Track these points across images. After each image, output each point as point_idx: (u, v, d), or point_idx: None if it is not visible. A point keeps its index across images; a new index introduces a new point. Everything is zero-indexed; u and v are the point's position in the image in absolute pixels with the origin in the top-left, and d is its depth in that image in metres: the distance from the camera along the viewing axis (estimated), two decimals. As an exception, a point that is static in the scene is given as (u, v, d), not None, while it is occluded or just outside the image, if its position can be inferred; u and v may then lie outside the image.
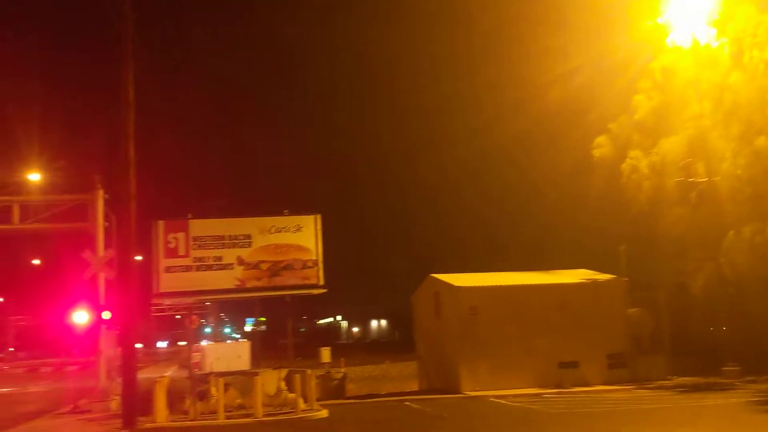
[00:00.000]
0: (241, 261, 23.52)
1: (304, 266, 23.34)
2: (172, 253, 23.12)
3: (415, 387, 23.19)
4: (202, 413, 16.19)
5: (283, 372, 18.00)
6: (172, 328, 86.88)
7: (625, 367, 20.36)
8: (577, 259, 25.43)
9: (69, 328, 24.03)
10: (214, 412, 15.94)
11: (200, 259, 23.59)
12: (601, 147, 22.81)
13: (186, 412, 16.42)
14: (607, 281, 21.98)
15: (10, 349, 70.73)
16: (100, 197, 21.11)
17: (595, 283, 21.84)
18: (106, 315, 19.42)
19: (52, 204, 22.66)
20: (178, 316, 60.62)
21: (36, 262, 40.33)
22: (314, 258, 22.89)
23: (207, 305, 40.26)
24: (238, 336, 73.16)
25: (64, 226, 23.07)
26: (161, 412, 15.83)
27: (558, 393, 18.07)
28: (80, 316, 20.20)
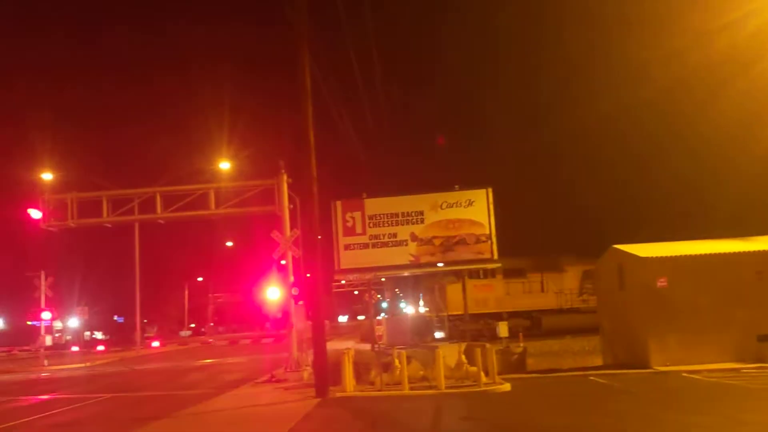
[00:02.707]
0: (414, 237, 23.98)
1: (477, 241, 23.33)
2: (350, 231, 24.11)
3: (598, 362, 22.45)
4: (387, 384, 16.79)
5: (463, 345, 18.19)
6: (351, 303, 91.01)
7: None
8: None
9: (263, 304, 25.97)
10: (399, 383, 16.48)
11: (376, 237, 24.37)
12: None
13: (372, 383, 17.12)
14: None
15: (211, 324, 77.64)
16: (284, 181, 22.41)
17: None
18: (295, 291, 20.71)
19: (242, 189, 24.48)
20: (356, 292, 63.32)
21: (229, 243, 43.75)
22: (487, 232, 22.80)
23: (383, 281, 41.59)
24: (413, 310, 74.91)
25: (254, 209, 24.81)
26: (349, 383, 16.60)
27: (758, 368, 16.68)
28: (272, 293, 21.73)
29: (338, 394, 16.07)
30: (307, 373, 19.54)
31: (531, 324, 36.37)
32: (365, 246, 24.13)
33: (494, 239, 22.32)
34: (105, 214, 24.91)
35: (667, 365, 17.50)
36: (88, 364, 37.59)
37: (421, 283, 41.32)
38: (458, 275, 35.80)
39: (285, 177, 22.45)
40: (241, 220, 29.45)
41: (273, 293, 22.16)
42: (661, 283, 18.27)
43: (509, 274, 37.82)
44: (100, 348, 49.36)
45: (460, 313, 35.40)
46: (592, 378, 17.08)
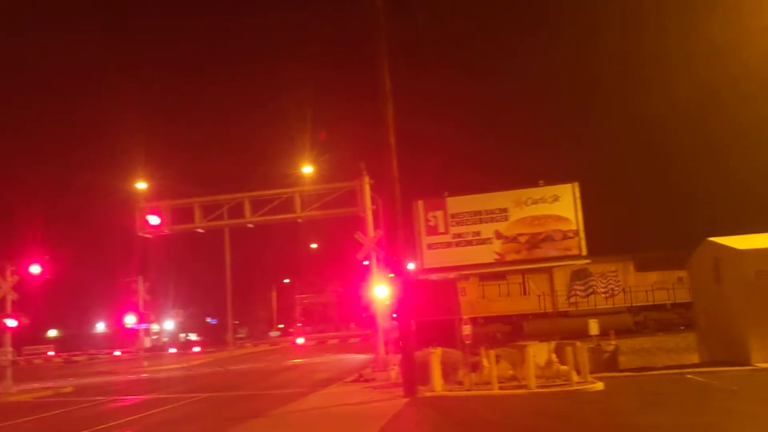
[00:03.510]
0: (499, 235, 23.71)
1: (564, 237, 22.84)
2: (432, 230, 24.08)
3: (693, 359, 21.56)
4: (476, 384, 16.68)
5: (553, 344, 17.85)
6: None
7: None
8: None
9: (349, 304, 26.29)
10: (488, 383, 16.34)
11: (459, 235, 24.23)
12: None
13: (460, 383, 17.04)
14: None
15: (298, 325, 79.29)
16: (366, 183, 22.63)
17: None
18: (380, 291, 20.85)
19: (325, 192, 24.88)
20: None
21: (314, 245, 44.60)
22: (574, 228, 22.30)
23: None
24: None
25: (337, 211, 25.17)
26: (438, 382, 16.59)
27: None
28: (359, 293, 21.98)
29: (427, 394, 16.08)
30: (394, 372, 19.65)
31: (511, 330, 34.38)
32: (448, 245, 24.05)
33: (582, 235, 21.81)
34: (197, 220, 25.87)
35: (771, 362, 16.64)
36: (184, 364, 39.11)
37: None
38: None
39: (367, 179, 22.66)
40: (326, 222, 29.93)
41: (359, 293, 22.43)
42: (759, 276, 17.38)
43: (486, 275, 34.74)
44: (196, 349, 51.33)
45: (426, 319, 34.53)
46: (689, 376, 16.42)
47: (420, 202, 23.23)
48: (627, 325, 32.99)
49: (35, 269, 28.05)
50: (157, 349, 55.99)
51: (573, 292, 34.40)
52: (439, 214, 23.77)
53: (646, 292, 33.98)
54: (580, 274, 33.34)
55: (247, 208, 25.52)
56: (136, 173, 28.76)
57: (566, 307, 34.25)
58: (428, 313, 29.74)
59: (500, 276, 34.83)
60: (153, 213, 25.78)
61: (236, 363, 38.37)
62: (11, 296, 26.86)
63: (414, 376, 16.37)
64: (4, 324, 26.73)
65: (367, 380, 20.31)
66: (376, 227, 23.12)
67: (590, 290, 34.00)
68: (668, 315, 33.66)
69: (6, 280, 27.11)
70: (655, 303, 34.00)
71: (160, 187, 29.36)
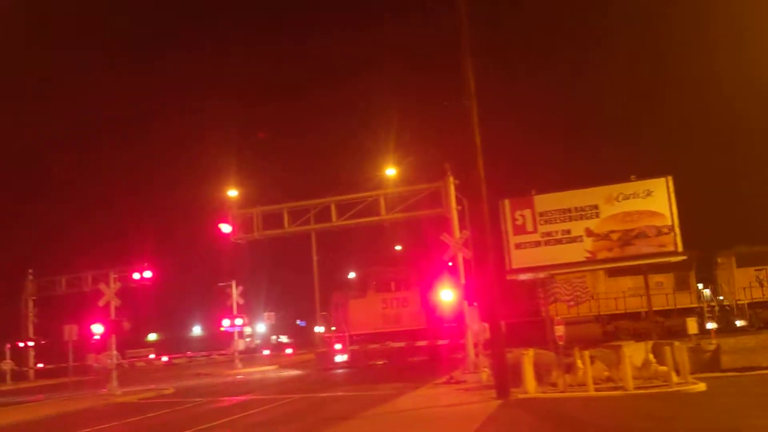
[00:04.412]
0: (589, 232, 23.11)
1: (659, 233, 22.06)
2: (520, 229, 23.72)
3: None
4: (570, 385, 16.32)
5: (650, 343, 17.26)
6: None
7: None
8: None
9: (436, 306, 26.28)
10: (582, 384, 15.96)
11: (548, 234, 23.77)
12: None
13: (554, 384, 16.72)
14: None
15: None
16: (451, 184, 22.56)
17: None
18: (468, 292, 20.74)
19: (409, 194, 25.00)
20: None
21: (398, 247, 44.78)
22: (669, 223, 21.52)
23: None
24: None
25: (422, 212, 25.23)
26: (530, 384, 16.33)
27: None
28: (446, 294, 21.93)
29: (520, 396, 15.87)
30: (485, 374, 19.49)
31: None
32: (537, 244, 23.65)
33: (678, 230, 21.01)
34: (285, 225, 26.55)
35: None
36: (277, 366, 40.05)
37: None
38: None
39: (452, 179, 22.58)
40: (410, 224, 30.04)
41: (447, 295, 22.36)
42: None
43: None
44: (288, 351, 52.43)
45: (366, 332, 33.13)
46: (800, 377, 15.55)
47: (506, 201, 22.95)
48: None
49: (137, 276, 29.48)
50: (251, 352, 57.54)
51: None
52: (527, 212, 23.42)
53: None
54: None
55: (334, 212, 25.98)
56: (229, 182, 29.78)
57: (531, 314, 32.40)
58: (517, 314, 29.33)
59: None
60: (245, 220, 26.62)
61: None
62: (115, 302, 28.32)
63: (506, 377, 16.19)
64: (109, 329, 28.22)
65: (457, 382, 20.23)
66: (462, 227, 23.00)
67: None
68: None
69: (110, 286, 28.62)
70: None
71: (250, 194, 30.31)
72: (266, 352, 53.34)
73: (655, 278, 28.92)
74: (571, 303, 30.59)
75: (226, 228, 26.45)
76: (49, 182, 68.00)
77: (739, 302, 31.15)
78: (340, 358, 32.86)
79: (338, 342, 32.89)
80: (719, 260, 32.82)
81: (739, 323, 30.22)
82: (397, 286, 33.73)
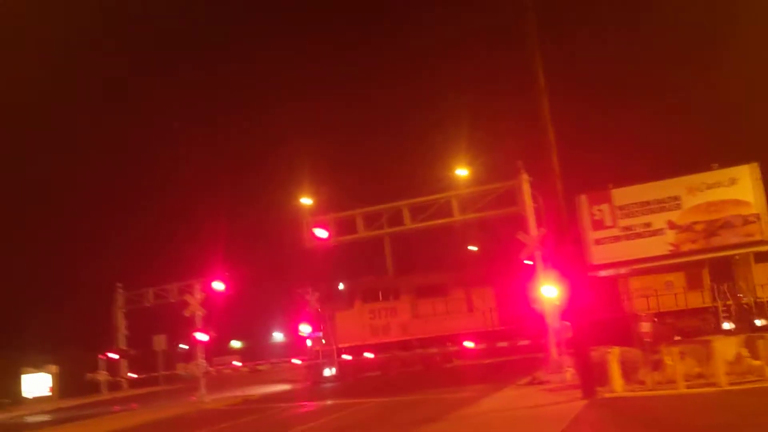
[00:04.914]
0: (672, 225, 22.50)
1: (745, 222, 21.30)
2: (598, 225, 23.33)
3: None
4: (659, 383, 15.86)
5: (742, 337, 16.60)
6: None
7: None
8: None
9: (514, 306, 26.00)
10: (671, 382, 15.47)
11: (628, 228, 23.28)
12: None
13: (641, 382, 16.28)
14: None
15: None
16: (525, 181, 22.28)
17: None
18: (548, 291, 20.44)
19: (482, 194, 24.83)
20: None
21: (473, 248, 44.45)
22: (756, 212, 20.72)
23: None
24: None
25: (495, 212, 24.99)
26: (617, 382, 15.96)
27: None
28: (526, 294, 21.65)
29: (606, 395, 15.52)
30: (569, 374, 19.15)
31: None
32: (617, 239, 23.20)
33: (766, 218, 20.20)
34: (359, 230, 26.86)
35: None
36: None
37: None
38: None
39: (525, 177, 22.31)
40: (482, 223, 29.82)
41: (527, 294, 22.07)
42: None
43: (423, 292, 32.80)
44: (368, 355, 52.86)
45: (356, 344, 32.09)
46: None
47: (583, 197, 22.61)
48: None
49: (218, 285, 30.38)
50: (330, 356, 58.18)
51: None
52: (605, 207, 23.01)
53: None
54: None
55: (406, 216, 26.09)
56: (303, 189, 30.30)
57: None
58: (599, 311, 28.61)
59: (439, 291, 32.82)
60: (319, 226, 27.05)
61: (405, 365, 39.02)
62: (200, 312, 29.27)
63: (591, 376, 15.87)
64: (195, 338, 29.18)
65: (541, 382, 19.93)
66: (540, 225, 22.67)
67: None
68: None
69: (195, 297, 29.62)
70: None
71: (321, 201, 30.77)
72: (346, 356, 53.92)
73: (665, 277, 26.76)
74: None
75: (321, 232, 26.89)
76: (130, 195, 70.88)
77: (758, 300, 28.94)
78: (328, 372, 32.53)
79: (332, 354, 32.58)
80: (736, 256, 30.44)
81: (759, 322, 28.31)
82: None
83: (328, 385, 31.55)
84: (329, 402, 23.14)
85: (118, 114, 75.04)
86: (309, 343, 36.69)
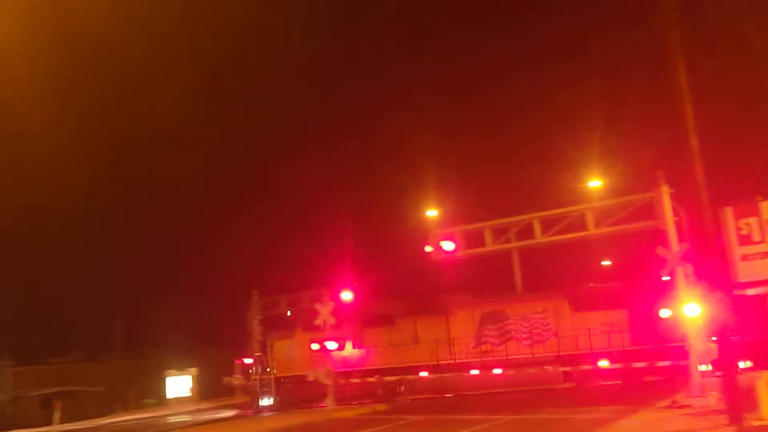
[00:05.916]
0: (833, 239, 20.61)
1: None
2: (745, 240, 21.78)
3: None
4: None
5: None
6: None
7: None
8: None
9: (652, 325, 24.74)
10: None
11: (779, 244, 21.54)
12: None
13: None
14: None
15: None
16: (665, 192, 21.21)
17: None
18: (691, 309, 19.29)
19: (618, 207, 23.88)
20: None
21: (607, 262, 42.79)
22: None
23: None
24: None
25: (632, 226, 23.98)
26: (766, 409, 14.82)
27: None
28: (664, 313, 20.59)
29: (754, 423, 14.45)
30: (713, 398, 17.95)
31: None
32: (766, 255, 21.56)
33: None
34: (487, 243, 26.60)
35: None
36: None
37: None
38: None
39: (666, 188, 21.20)
40: (616, 237, 28.62)
41: (665, 313, 20.97)
42: None
43: (371, 322, 31.71)
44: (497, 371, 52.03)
45: (296, 374, 31.57)
46: None
47: (728, 209, 21.22)
48: None
49: (347, 295, 31.05)
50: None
51: (484, 339, 31.38)
52: (753, 220, 21.50)
53: None
54: (491, 317, 31.37)
55: (537, 229, 25.59)
56: (428, 201, 30.34)
57: (475, 356, 30.85)
58: (746, 331, 26.56)
59: (387, 321, 32.14)
60: (446, 239, 27.01)
61: (531, 383, 37.92)
62: (330, 321, 30.02)
63: (739, 401, 14.80)
64: (325, 347, 29.91)
65: (681, 406, 18.86)
66: (681, 239, 21.46)
67: None
68: None
69: (324, 305, 30.41)
70: None
71: (447, 213, 30.66)
72: (474, 371, 53.27)
73: None
74: (527, 341, 29.55)
75: (448, 245, 26.91)
76: (259, 205, 73.71)
77: None
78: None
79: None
80: None
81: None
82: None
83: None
84: (458, 417, 22.91)
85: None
86: None
